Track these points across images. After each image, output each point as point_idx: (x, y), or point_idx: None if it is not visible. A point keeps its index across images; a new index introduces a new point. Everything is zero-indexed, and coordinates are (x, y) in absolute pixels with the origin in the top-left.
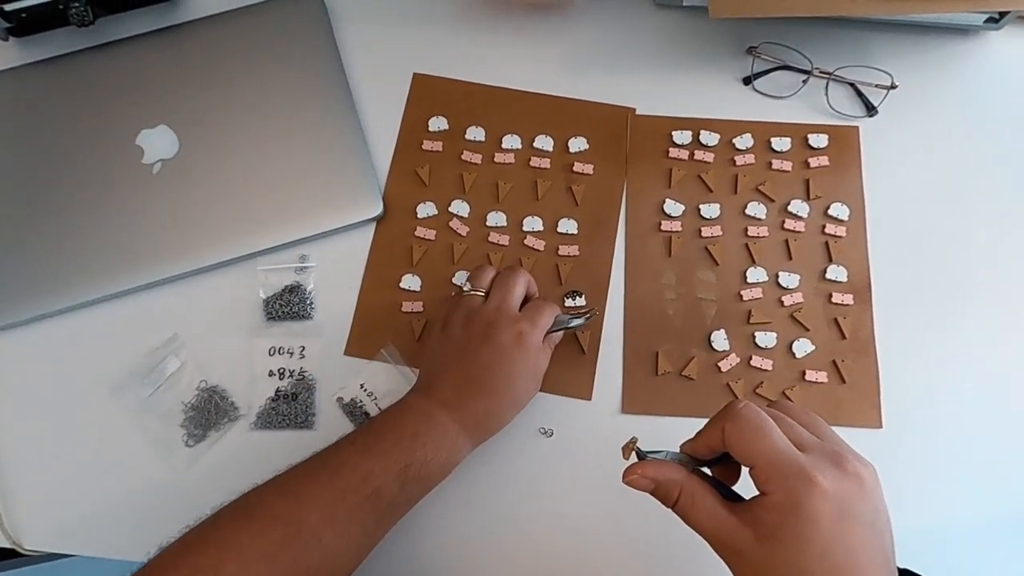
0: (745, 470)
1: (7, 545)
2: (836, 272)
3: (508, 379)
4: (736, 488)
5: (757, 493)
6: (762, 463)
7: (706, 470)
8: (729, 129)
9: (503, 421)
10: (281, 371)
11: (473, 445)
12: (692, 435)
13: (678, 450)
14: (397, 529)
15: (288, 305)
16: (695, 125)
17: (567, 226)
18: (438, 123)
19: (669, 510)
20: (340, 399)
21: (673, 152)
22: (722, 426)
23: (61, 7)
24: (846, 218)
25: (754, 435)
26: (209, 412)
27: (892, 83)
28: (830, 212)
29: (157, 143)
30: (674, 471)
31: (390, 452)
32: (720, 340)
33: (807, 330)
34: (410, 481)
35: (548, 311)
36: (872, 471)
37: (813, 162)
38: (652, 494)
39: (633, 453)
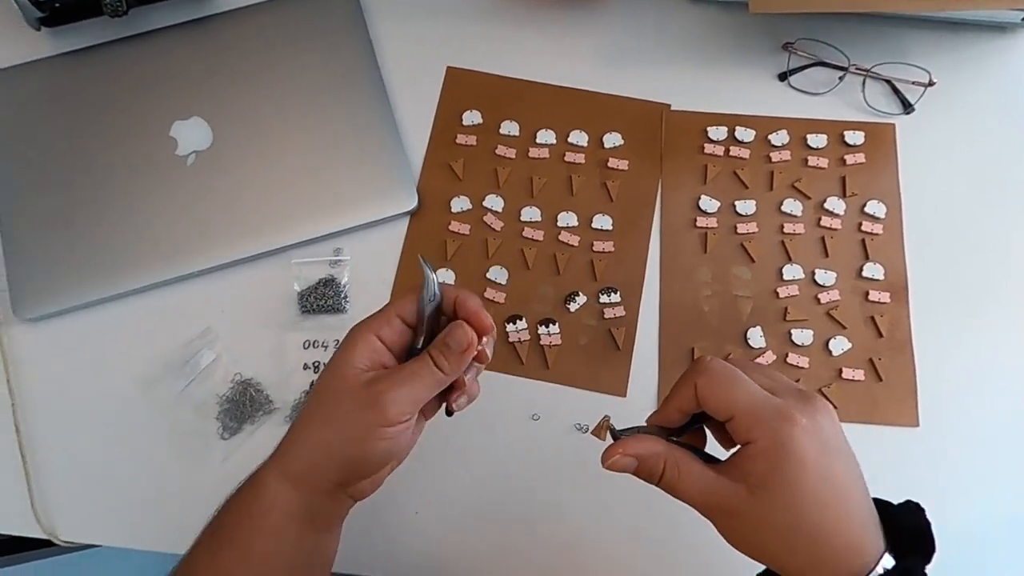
0: (712, 438)
1: (42, 536)
2: (873, 270)
3: (313, 394)
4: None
5: (735, 451)
6: (740, 411)
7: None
8: (765, 125)
9: (318, 451)
10: (315, 365)
11: (301, 496)
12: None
13: (645, 424)
14: (422, 525)
15: (322, 298)
16: (730, 121)
17: (602, 222)
18: (472, 117)
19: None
20: None
21: (708, 148)
22: (694, 382)
23: None
24: (882, 216)
25: (729, 385)
26: (244, 405)
27: (930, 80)
28: (866, 210)
29: (191, 135)
30: (654, 443)
31: (207, 526)
32: (756, 337)
33: (844, 328)
34: (221, 546)
35: (400, 295)
36: (830, 405)
37: (849, 159)
38: (635, 473)
39: (608, 434)
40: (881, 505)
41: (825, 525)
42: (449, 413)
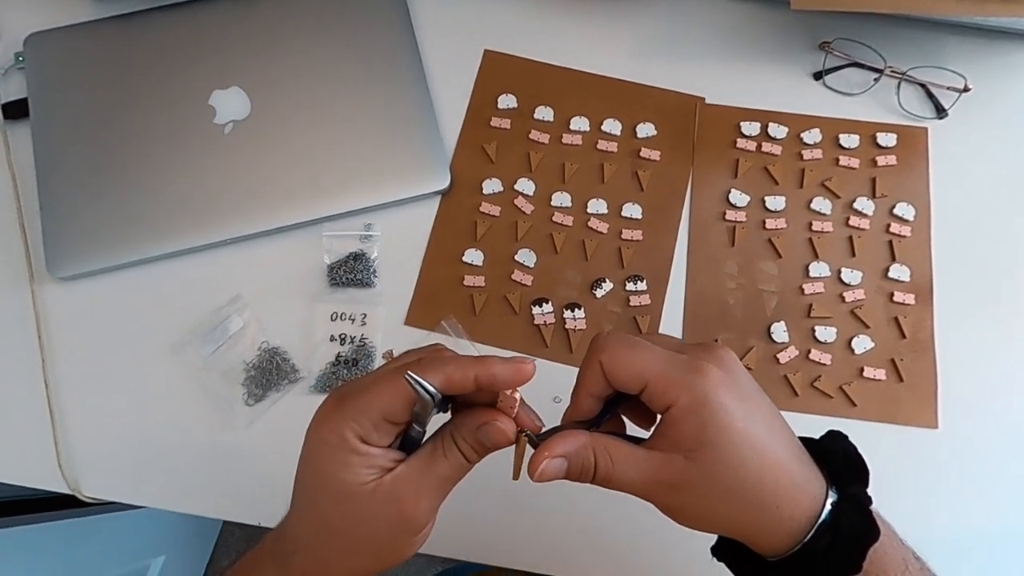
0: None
1: (67, 491)
2: (899, 271)
3: (297, 475)
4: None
5: (659, 422)
6: (653, 374)
7: None
8: (798, 123)
9: (300, 535)
10: (342, 337)
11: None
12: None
13: (561, 424)
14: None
15: (352, 272)
16: (764, 117)
17: (631, 211)
18: (507, 101)
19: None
20: None
21: (741, 143)
22: (598, 361)
23: None
24: (911, 218)
25: (634, 352)
26: (270, 373)
27: (965, 86)
28: (895, 211)
29: (229, 104)
30: (577, 436)
31: None
32: (780, 332)
33: (867, 327)
34: None
35: (380, 388)
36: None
37: (880, 161)
38: (568, 476)
39: (526, 444)
40: (806, 442)
41: (767, 470)
42: None
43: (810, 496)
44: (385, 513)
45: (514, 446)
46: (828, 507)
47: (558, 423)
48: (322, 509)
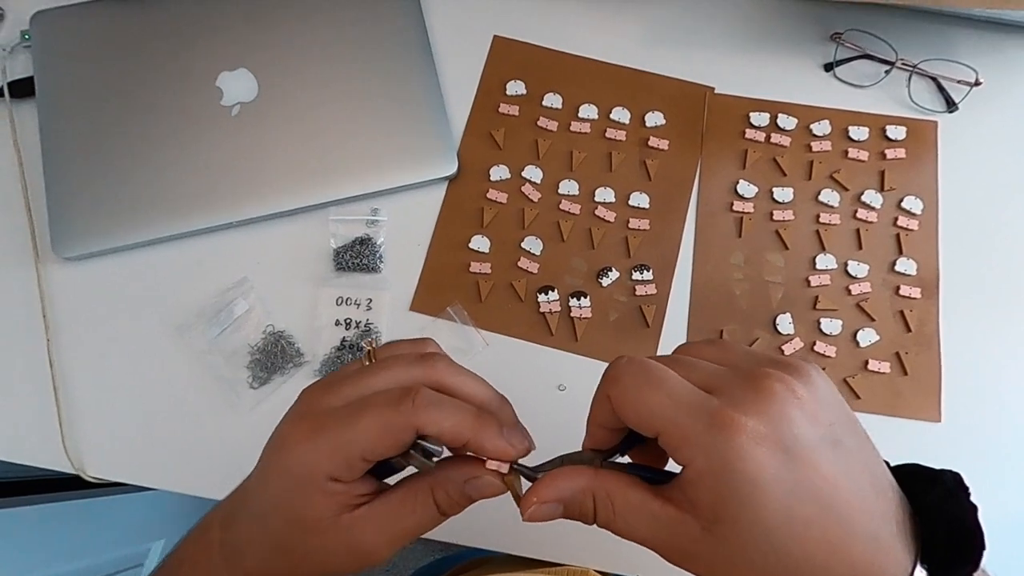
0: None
1: (71, 471)
2: (905, 265)
3: (258, 469)
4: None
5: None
6: (664, 424)
7: (626, 460)
8: (807, 114)
9: (251, 537)
10: (347, 321)
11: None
12: None
13: (581, 449)
14: None
15: (358, 257)
16: (773, 108)
17: (639, 200)
18: (516, 87)
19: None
20: None
21: (750, 133)
22: (607, 395)
23: None
24: (919, 212)
25: (644, 391)
26: (275, 356)
27: (976, 80)
28: (903, 205)
29: (237, 86)
30: (576, 477)
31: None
32: (785, 323)
33: (872, 320)
34: None
35: (366, 427)
36: (806, 372)
37: (890, 153)
38: (566, 517)
39: (520, 478)
40: (907, 479)
41: (812, 551)
42: None
43: None
44: (341, 549)
45: (513, 492)
46: None
47: (560, 414)
48: (274, 530)
